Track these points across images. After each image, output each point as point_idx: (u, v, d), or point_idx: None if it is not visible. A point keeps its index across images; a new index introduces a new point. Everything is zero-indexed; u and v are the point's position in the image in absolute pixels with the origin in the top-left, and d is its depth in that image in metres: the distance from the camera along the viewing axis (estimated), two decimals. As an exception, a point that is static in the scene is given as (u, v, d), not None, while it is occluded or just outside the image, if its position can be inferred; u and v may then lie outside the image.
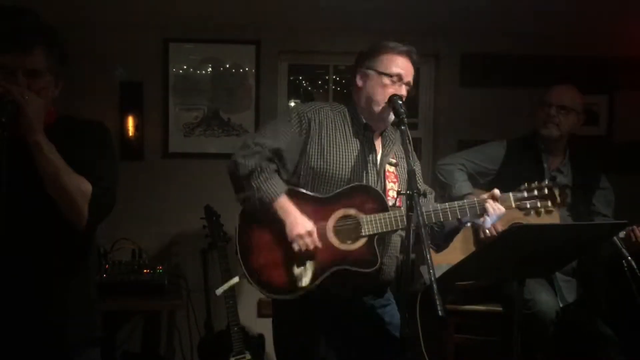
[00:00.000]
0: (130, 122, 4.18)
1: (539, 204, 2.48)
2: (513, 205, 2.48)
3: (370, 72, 2.57)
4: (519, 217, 3.26)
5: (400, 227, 2.45)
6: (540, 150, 3.49)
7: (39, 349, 2.10)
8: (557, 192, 2.48)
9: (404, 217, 2.36)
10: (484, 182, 3.47)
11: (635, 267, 2.74)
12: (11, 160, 1.99)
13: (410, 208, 2.13)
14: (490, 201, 2.44)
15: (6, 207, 1.94)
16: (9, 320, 2.07)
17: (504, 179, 3.15)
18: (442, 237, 2.64)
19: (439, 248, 2.69)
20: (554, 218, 3.27)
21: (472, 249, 3.38)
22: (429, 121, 4.56)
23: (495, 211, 2.44)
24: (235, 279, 3.08)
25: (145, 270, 3.70)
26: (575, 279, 3.45)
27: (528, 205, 2.49)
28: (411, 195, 2.13)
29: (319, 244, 2.43)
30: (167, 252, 4.17)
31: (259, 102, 4.27)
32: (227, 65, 4.26)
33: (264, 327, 3.94)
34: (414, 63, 2.60)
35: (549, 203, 2.47)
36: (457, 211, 2.46)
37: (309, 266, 2.46)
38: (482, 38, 4.31)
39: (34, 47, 2.00)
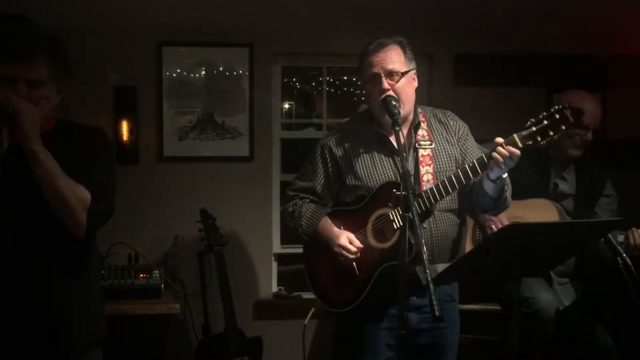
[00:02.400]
0: (125, 126, 4.17)
1: (551, 132, 2.31)
2: (520, 144, 2.34)
3: (364, 84, 2.68)
4: (519, 216, 3.28)
5: (428, 206, 2.50)
6: (547, 157, 3.45)
7: (40, 352, 2.10)
8: (568, 112, 2.30)
9: (430, 195, 2.48)
10: None
11: (630, 264, 2.75)
12: (10, 165, 2.00)
13: (406, 209, 2.14)
14: (497, 148, 2.36)
15: (5, 211, 1.94)
16: (11, 323, 2.08)
17: None
18: (491, 201, 2.56)
19: (497, 210, 2.66)
20: (553, 216, 3.28)
21: (469, 247, 3.38)
22: (424, 121, 4.55)
23: (501, 156, 2.35)
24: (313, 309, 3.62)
25: (141, 275, 3.70)
26: (572, 282, 3.45)
27: (539, 138, 2.33)
28: (406, 196, 2.13)
29: (361, 245, 2.59)
30: (164, 256, 4.16)
31: (253, 105, 4.27)
32: (221, 68, 4.26)
33: (261, 330, 3.94)
34: (386, 47, 2.60)
35: (563, 127, 2.30)
36: (469, 171, 2.45)
37: (361, 274, 2.61)
38: (476, 38, 4.31)
39: (36, 58, 2.01)
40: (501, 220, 3.27)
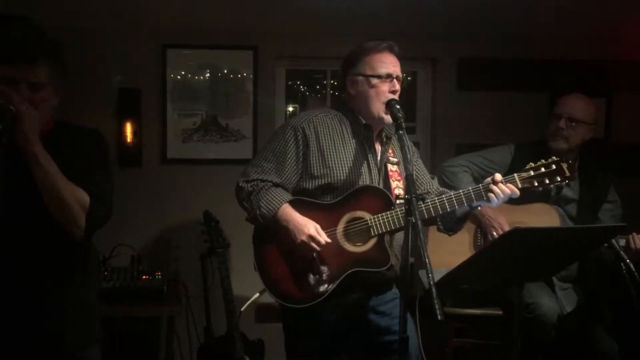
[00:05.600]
0: (129, 128, 4.18)
1: (547, 181, 2.46)
2: (519, 184, 2.46)
3: (359, 77, 2.60)
4: (520, 221, 3.28)
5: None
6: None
7: (36, 353, 2.11)
8: (565, 166, 2.45)
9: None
10: None
11: (634, 269, 2.74)
12: (8, 166, 2.00)
13: (408, 212, 2.13)
14: (499, 185, 2.43)
15: (3, 213, 1.95)
16: (7, 324, 2.08)
17: None
18: (454, 221, 2.64)
19: (453, 231, 2.70)
20: (555, 222, 3.28)
21: (470, 252, 3.38)
22: (427, 125, 4.56)
23: (502, 193, 2.43)
24: (257, 294, 3.17)
25: (144, 277, 3.70)
26: (574, 287, 3.43)
27: (536, 183, 2.46)
28: (409, 199, 2.13)
29: (329, 240, 2.48)
30: (166, 258, 4.17)
31: (257, 108, 4.28)
32: (225, 71, 4.26)
33: (263, 332, 3.94)
34: (397, 55, 2.62)
35: (558, 178, 2.45)
36: (463, 199, 2.48)
37: (325, 272, 2.52)
38: (480, 42, 4.32)
39: (38, 61, 2.02)
40: (502, 226, 3.27)
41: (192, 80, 4.25)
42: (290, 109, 4.70)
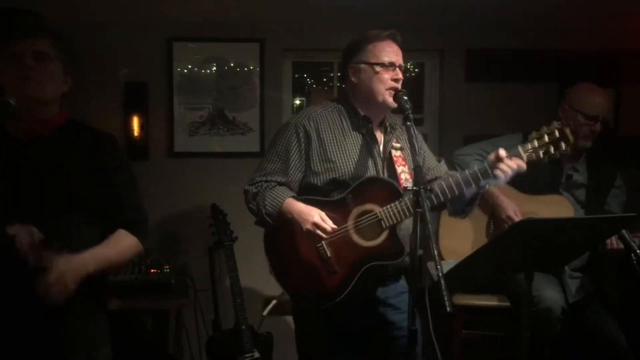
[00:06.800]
0: (135, 122, 4.18)
1: (552, 150, 2.42)
2: (525, 157, 2.42)
3: (362, 65, 2.59)
4: (534, 212, 3.26)
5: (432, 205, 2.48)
6: None
7: (44, 353, 2.10)
8: (568, 131, 2.41)
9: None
10: None
11: (644, 260, 2.73)
12: (16, 160, 2.01)
13: (416, 204, 2.12)
14: (504, 160, 2.41)
15: (8, 206, 1.96)
16: (15, 324, 2.08)
17: (518, 175, 3.10)
18: (465, 203, 2.62)
19: (464, 213, 2.68)
20: (569, 212, 3.26)
21: (484, 240, 3.37)
22: (435, 116, 4.54)
23: (509, 168, 2.40)
24: (274, 302, 3.30)
25: (152, 270, 3.70)
26: (585, 276, 3.42)
27: (541, 154, 2.43)
28: (417, 191, 2.12)
29: (334, 226, 2.45)
30: (174, 251, 4.17)
31: (263, 100, 4.27)
32: (232, 64, 4.26)
33: (271, 325, 3.94)
34: (399, 44, 2.61)
35: (563, 145, 2.41)
36: (470, 179, 2.46)
37: (342, 270, 2.48)
38: (487, 33, 4.29)
39: (40, 34, 2.09)
40: (517, 212, 3.25)
41: (198, 74, 4.24)
42: (297, 101, 4.70)
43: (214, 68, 4.25)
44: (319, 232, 2.44)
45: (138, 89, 4.19)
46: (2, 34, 2.09)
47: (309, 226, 2.44)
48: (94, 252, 2.11)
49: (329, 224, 2.44)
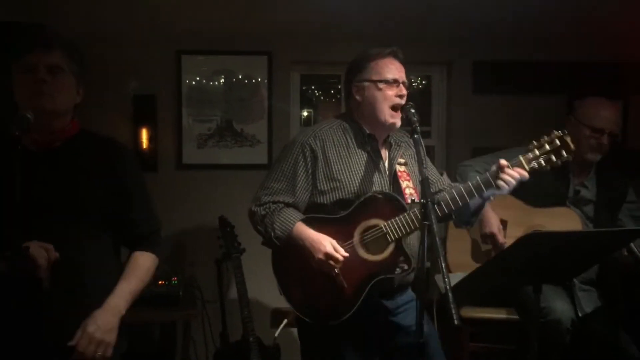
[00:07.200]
0: (144, 134, 4.21)
1: (554, 158, 2.42)
2: (527, 167, 2.43)
3: (365, 83, 2.60)
4: (541, 224, 3.25)
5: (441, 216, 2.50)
6: (566, 163, 3.40)
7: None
8: (568, 139, 2.41)
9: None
10: None
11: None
12: (29, 171, 2.03)
13: (424, 217, 2.12)
14: (505, 170, 2.42)
15: (22, 217, 1.97)
16: (20, 339, 2.08)
17: (526, 188, 3.09)
18: (469, 214, 2.64)
19: (470, 224, 2.71)
20: (576, 225, 3.25)
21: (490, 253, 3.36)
22: (442, 129, 4.55)
23: (511, 178, 2.41)
24: (285, 321, 3.33)
25: (160, 282, 3.70)
26: (595, 289, 3.40)
27: (543, 163, 2.43)
28: (425, 204, 2.12)
29: (346, 254, 2.45)
30: (182, 263, 4.18)
31: (271, 112, 4.29)
32: (240, 76, 4.28)
33: (279, 338, 3.93)
34: (401, 60, 2.62)
35: (564, 153, 2.41)
36: (473, 190, 2.47)
37: (350, 286, 2.48)
38: (494, 45, 4.30)
39: (54, 47, 2.12)
40: (493, 234, 3.24)
41: (207, 86, 4.26)
42: (305, 113, 4.71)
43: (223, 80, 4.27)
44: (331, 262, 2.44)
45: (147, 101, 4.22)
46: (16, 48, 2.11)
47: (321, 256, 2.44)
48: (119, 291, 2.17)
49: (341, 253, 2.44)
